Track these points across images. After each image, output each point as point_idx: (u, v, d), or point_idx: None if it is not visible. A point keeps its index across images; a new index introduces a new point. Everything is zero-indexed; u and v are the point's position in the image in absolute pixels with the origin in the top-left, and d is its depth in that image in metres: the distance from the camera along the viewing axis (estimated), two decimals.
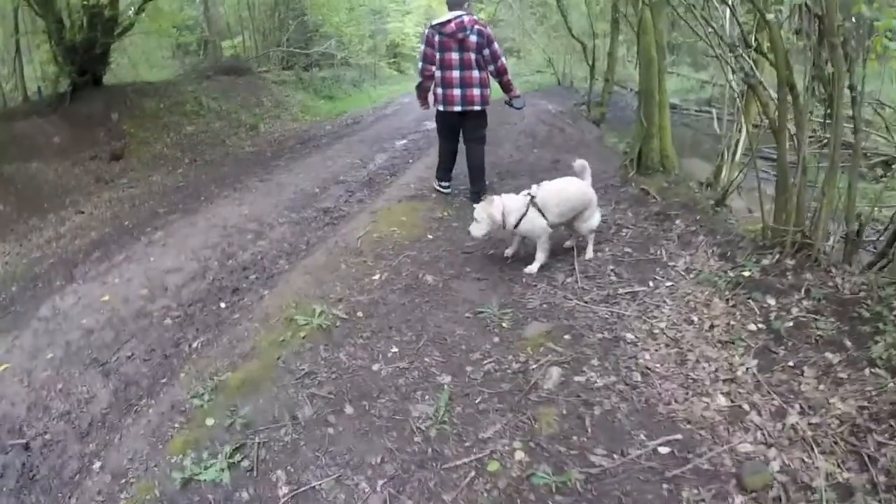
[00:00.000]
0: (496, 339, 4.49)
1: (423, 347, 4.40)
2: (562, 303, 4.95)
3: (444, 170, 7.53)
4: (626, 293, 4.99)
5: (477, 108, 6.88)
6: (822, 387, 3.50)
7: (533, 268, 5.49)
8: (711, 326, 4.26)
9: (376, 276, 5.45)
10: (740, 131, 8.33)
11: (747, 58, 5.21)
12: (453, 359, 4.27)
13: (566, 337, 4.43)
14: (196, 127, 13.75)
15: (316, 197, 8.56)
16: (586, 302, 4.93)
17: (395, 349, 4.40)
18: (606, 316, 4.67)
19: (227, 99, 15.61)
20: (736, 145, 8.45)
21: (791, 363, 3.73)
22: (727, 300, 4.52)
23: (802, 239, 4.72)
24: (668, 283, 4.99)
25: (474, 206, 5.44)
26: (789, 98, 4.71)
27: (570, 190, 5.44)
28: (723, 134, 8.51)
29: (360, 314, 4.84)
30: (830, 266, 4.57)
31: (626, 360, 4.08)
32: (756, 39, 5.53)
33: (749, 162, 8.66)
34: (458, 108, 6.84)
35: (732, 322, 4.26)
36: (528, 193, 5.36)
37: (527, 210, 5.28)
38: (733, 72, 5.89)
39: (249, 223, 7.67)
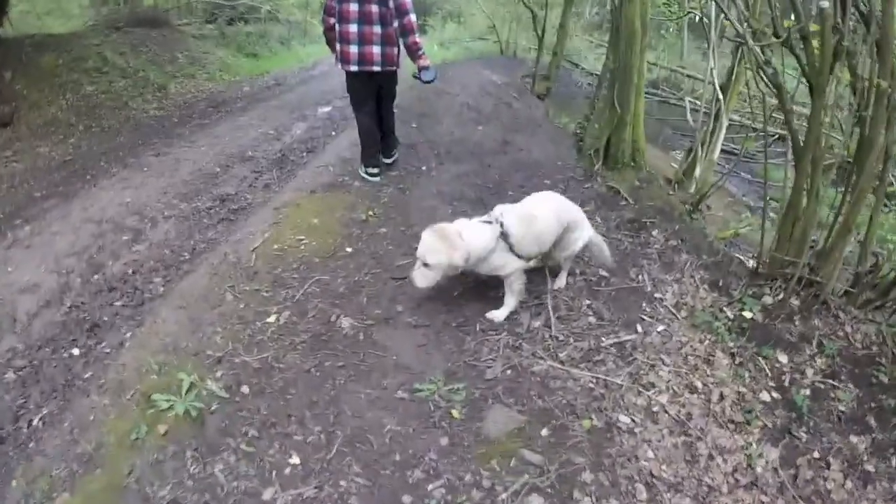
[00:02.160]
0: (445, 442, 2.99)
1: (338, 458, 2.87)
2: (531, 365, 3.47)
3: (371, 153, 5.93)
4: (611, 345, 3.71)
5: (376, 69, 5.44)
6: (849, 484, 3.02)
7: (499, 314, 3.93)
8: (721, 397, 3.39)
9: (272, 319, 3.76)
10: (718, 128, 7.25)
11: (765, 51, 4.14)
12: (382, 480, 2.77)
13: (544, 433, 3.09)
14: (97, 87, 11.25)
15: (215, 179, 6.58)
16: (563, 363, 3.49)
17: (295, 460, 2.86)
18: (591, 385, 3.40)
19: (136, 54, 13.02)
20: (712, 142, 7.29)
21: (816, 453, 3.15)
22: (732, 355, 3.71)
23: (809, 275, 4.07)
24: (660, 328, 3.88)
25: (421, 235, 3.66)
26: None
27: (547, 219, 3.86)
28: (697, 128, 7.04)
29: (245, 389, 3.21)
30: (838, 310, 4.01)
31: (626, 465, 2.95)
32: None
33: (733, 166, 7.32)
34: (354, 68, 5.42)
35: (742, 389, 3.46)
36: (497, 221, 3.74)
37: (495, 246, 3.69)
38: (759, 66, 4.28)
39: (130, 217, 5.72)
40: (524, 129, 8.18)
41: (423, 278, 3.62)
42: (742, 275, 4.53)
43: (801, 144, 4.02)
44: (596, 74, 16.21)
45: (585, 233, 4.05)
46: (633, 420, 3.15)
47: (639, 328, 3.87)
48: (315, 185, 5.64)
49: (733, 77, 7.09)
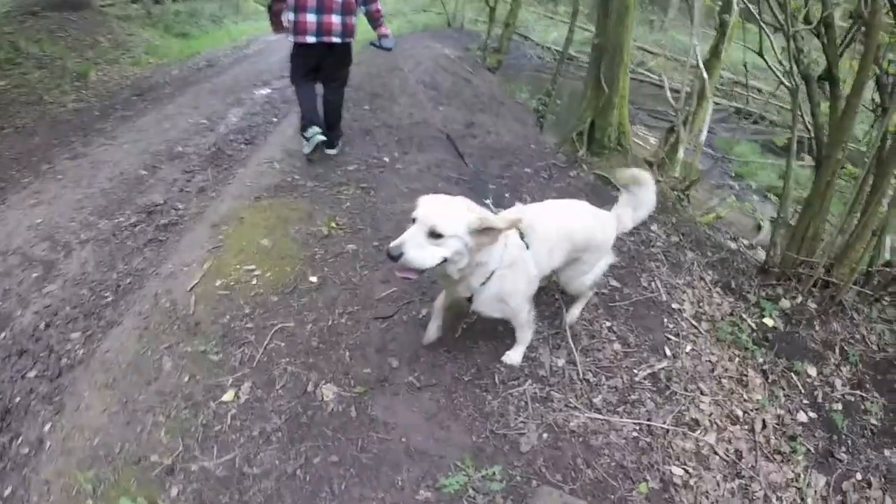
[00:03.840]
0: None
1: None
2: (567, 420, 2.74)
3: (311, 119, 5.08)
4: (644, 378, 3.07)
5: (336, 39, 4.78)
6: (889, 501, 2.79)
7: (516, 357, 3.03)
8: (763, 425, 3.03)
9: (229, 396, 2.68)
10: (703, 108, 6.57)
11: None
12: None
13: None
14: (9, 80, 9.53)
15: (140, 185, 5.23)
16: (600, 410, 2.83)
17: None
18: (635, 434, 2.75)
19: (53, 41, 11.24)
20: (696, 123, 6.64)
21: (858, 475, 2.89)
22: (763, 372, 3.39)
23: (825, 276, 3.85)
24: (688, 348, 3.36)
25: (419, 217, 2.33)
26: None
27: (574, 225, 2.86)
28: (679, 108, 6.14)
29: None
30: (852, 311, 3.86)
31: None
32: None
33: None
34: (311, 40, 4.74)
35: (780, 412, 3.14)
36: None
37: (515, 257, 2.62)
38: (795, 56, 3.90)
39: (40, 244, 4.36)
40: (487, 108, 7.10)
41: (421, 254, 2.24)
42: (750, 273, 4.20)
43: (826, 142, 3.74)
44: (546, 47, 15.24)
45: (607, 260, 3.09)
46: (686, 471, 2.60)
47: (667, 351, 3.26)
48: (260, 189, 4.47)
49: (719, 55, 6.25)
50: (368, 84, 7.16)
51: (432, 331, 2.95)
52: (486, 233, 2.30)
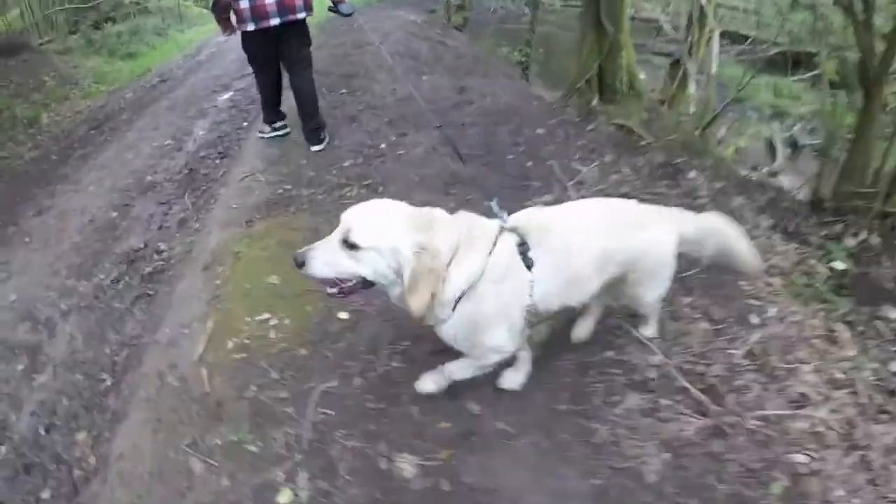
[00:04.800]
0: None
1: None
2: (682, 430, 2.15)
3: (271, 107, 4.88)
4: (743, 356, 2.46)
5: (301, 15, 4.22)
6: None
7: (428, 382, 2.28)
8: (865, 385, 2.46)
9: (286, 497, 2.04)
10: (708, 36, 5.82)
11: None
12: None
13: None
14: None
15: (114, 230, 4.45)
16: (708, 408, 2.21)
17: None
18: (752, 427, 2.16)
19: None
20: (704, 53, 5.94)
21: None
22: (849, 324, 2.85)
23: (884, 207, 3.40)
24: (772, 311, 2.76)
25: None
26: None
27: (614, 245, 2.06)
28: (681, 39, 5.37)
29: None
30: None
31: None
32: None
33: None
34: (275, 21, 4.12)
35: (876, 365, 2.57)
36: (513, 230, 1.93)
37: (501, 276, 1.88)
38: None
39: (19, 327, 3.61)
40: (474, 70, 6.32)
41: (327, 265, 1.73)
42: (800, 211, 3.77)
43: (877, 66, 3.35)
44: None
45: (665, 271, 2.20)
46: (809, 456, 2.12)
47: (753, 319, 2.70)
48: (249, 210, 3.75)
49: None
50: (338, 66, 6.34)
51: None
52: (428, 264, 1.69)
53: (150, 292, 3.53)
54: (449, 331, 1.93)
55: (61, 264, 4.18)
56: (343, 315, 2.67)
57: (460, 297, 1.83)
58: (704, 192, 3.72)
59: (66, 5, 15.54)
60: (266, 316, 2.72)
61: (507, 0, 14.08)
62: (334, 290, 1.80)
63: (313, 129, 4.63)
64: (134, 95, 9.79)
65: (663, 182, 3.84)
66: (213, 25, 4.89)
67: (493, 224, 1.92)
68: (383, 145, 4.44)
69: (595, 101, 4.98)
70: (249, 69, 7.64)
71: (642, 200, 2.25)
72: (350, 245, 1.69)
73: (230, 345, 2.59)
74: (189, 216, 4.28)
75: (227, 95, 7.51)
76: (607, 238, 2.01)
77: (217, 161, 5.14)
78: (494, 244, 1.85)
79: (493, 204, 1.98)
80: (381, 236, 1.69)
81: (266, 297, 2.86)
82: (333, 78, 6.01)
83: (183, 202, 4.54)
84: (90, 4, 15.98)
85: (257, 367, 2.46)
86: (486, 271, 1.82)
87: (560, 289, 1.96)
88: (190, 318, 2.86)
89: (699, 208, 3.26)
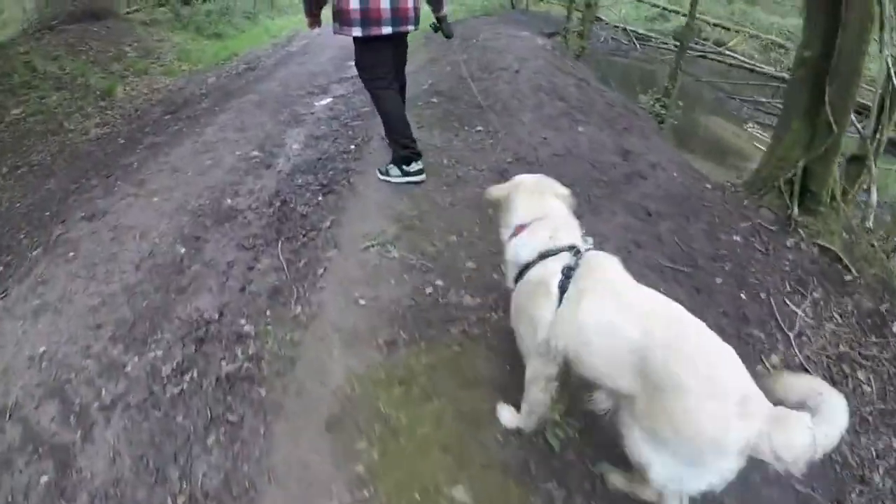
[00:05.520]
0: None
1: None
2: None
3: (408, 142, 3.85)
4: None
5: (411, 28, 3.60)
6: None
7: (506, 414, 2.13)
8: None
9: None
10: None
11: None
12: None
13: None
14: (26, 107, 7.66)
15: (179, 275, 3.26)
16: None
17: None
18: None
19: (73, 57, 9.34)
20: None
21: None
22: None
23: None
24: None
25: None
26: None
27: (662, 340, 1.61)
28: (867, 134, 4.05)
29: None
30: None
31: None
32: None
33: None
34: (387, 30, 3.47)
35: None
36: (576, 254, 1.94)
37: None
38: None
39: (44, 406, 2.48)
40: (630, 125, 5.02)
41: None
42: None
43: None
44: (616, 26, 12.76)
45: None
46: None
47: None
48: (386, 318, 2.57)
49: None
50: (465, 91, 5.13)
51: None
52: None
53: (232, 418, 2.31)
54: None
55: (107, 314, 3.03)
56: None
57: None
58: None
59: None
60: None
61: (618, 31, 12.82)
62: None
63: (407, 144, 3.84)
64: (217, 81, 8.79)
65: (872, 340, 2.90)
66: (303, 16, 3.81)
67: (574, 240, 1.98)
68: None
69: (794, 210, 3.83)
70: (350, 71, 6.51)
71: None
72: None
73: None
74: (284, 285, 3.04)
75: (325, 101, 6.38)
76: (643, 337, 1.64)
77: (319, 198, 3.90)
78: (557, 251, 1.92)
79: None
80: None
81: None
82: (462, 106, 4.83)
83: (274, 254, 3.31)
84: None
85: None
86: (533, 269, 1.93)
87: (573, 336, 1.78)
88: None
89: None
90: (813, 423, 1.44)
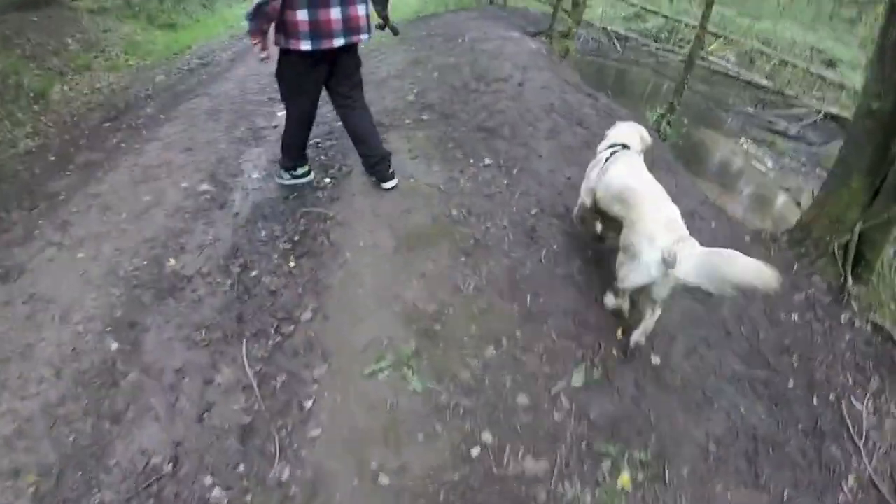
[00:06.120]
0: None
1: None
2: None
3: (301, 148, 3.69)
4: None
5: (363, 37, 3.23)
6: None
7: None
8: None
9: None
10: None
11: None
12: None
13: None
14: None
15: (113, 391, 2.35)
16: None
17: None
18: None
19: (7, 51, 8.04)
20: None
21: None
22: None
23: None
24: None
25: None
26: None
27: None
28: None
29: None
30: None
31: None
32: None
33: None
34: (339, 42, 3.09)
35: None
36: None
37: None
38: None
39: None
40: (653, 155, 4.23)
41: None
42: None
43: None
44: (599, 27, 11.94)
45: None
46: None
47: None
48: (425, 493, 1.79)
49: None
50: (463, 105, 4.25)
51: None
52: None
53: None
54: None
55: (25, 456, 2.11)
56: None
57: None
58: None
59: None
60: None
61: (598, 30, 12.01)
62: None
63: (381, 159, 3.57)
64: (166, 79, 7.72)
65: None
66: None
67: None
68: None
69: (848, 282, 3.35)
70: None
71: None
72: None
73: None
74: (259, 421, 2.12)
75: None
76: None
77: (291, 263, 2.97)
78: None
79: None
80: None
81: None
82: (462, 129, 3.95)
83: (238, 359, 2.39)
84: None
85: None
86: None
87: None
88: None
89: None
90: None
